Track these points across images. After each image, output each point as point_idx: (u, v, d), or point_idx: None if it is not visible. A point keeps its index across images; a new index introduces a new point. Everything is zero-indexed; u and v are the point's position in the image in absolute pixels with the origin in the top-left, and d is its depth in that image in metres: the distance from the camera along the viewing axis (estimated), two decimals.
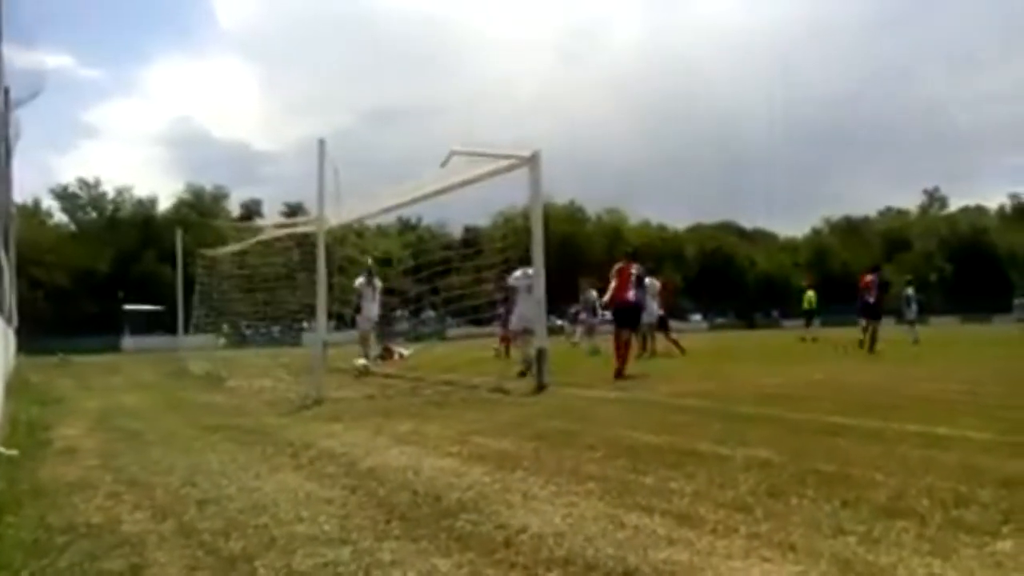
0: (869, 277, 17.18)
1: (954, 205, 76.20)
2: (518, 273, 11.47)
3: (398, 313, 18.41)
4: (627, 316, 11.42)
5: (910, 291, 21.82)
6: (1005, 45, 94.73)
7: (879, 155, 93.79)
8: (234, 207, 58.24)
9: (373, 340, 13.95)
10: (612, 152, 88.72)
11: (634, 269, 11.38)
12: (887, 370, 11.11)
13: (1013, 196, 75.66)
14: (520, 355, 11.24)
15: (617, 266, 11.46)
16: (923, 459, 4.16)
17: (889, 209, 77.81)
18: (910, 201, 78.53)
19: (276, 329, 21.03)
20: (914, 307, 21.38)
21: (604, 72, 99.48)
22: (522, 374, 10.43)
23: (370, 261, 14.20)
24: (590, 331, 19.02)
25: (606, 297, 11.84)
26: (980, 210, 74.75)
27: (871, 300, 16.45)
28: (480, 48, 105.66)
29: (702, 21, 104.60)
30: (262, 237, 16.01)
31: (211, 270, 17.38)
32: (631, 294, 11.26)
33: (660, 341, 16.35)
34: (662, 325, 16.80)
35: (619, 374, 10.40)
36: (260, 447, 5.28)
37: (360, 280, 13.82)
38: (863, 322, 16.72)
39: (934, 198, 77.59)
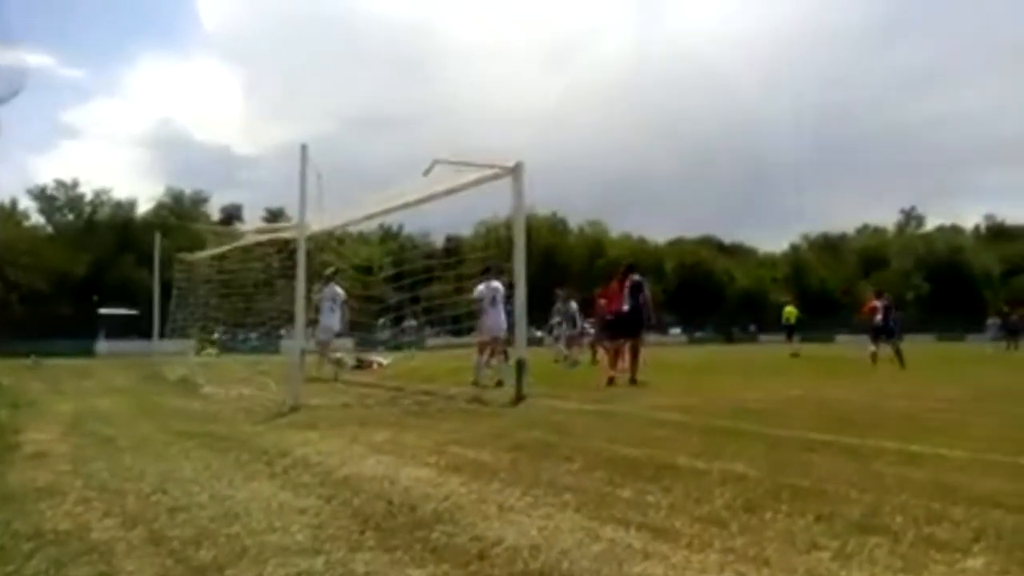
0: (874, 302, 18.06)
1: (931, 224, 77.48)
2: (481, 287, 11.61)
3: (381, 322, 18.32)
4: (621, 325, 11.85)
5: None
6: (983, 65, 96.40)
7: (858, 173, 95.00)
8: (214, 211, 57.95)
9: (342, 353, 13.71)
10: (595, 164, 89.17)
11: (631, 280, 11.84)
12: (865, 387, 11.20)
13: (988, 216, 77.05)
14: (475, 365, 11.49)
15: (617, 277, 11.96)
16: (897, 476, 4.20)
17: (866, 227, 78.85)
18: (887, 219, 79.69)
19: (254, 336, 20.87)
20: (890, 324, 21.73)
21: (589, 84, 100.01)
22: (499, 383, 10.60)
23: (329, 269, 13.82)
24: (570, 343, 19.03)
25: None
26: (956, 229, 75.96)
27: (881, 322, 17.25)
28: (465, 57, 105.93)
29: (687, 37, 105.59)
30: (242, 242, 15.89)
31: (189, 275, 17.22)
32: (625, 305, 11.71)
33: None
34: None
35: (611, 381, 10.92)
36: (234, 454, 5.22)
37: (316, 288, 13.35)
38: (872, 345, 17.43)
39: (911, 217, 78.78)
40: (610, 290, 11.93)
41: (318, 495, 3.90)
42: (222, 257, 16.21)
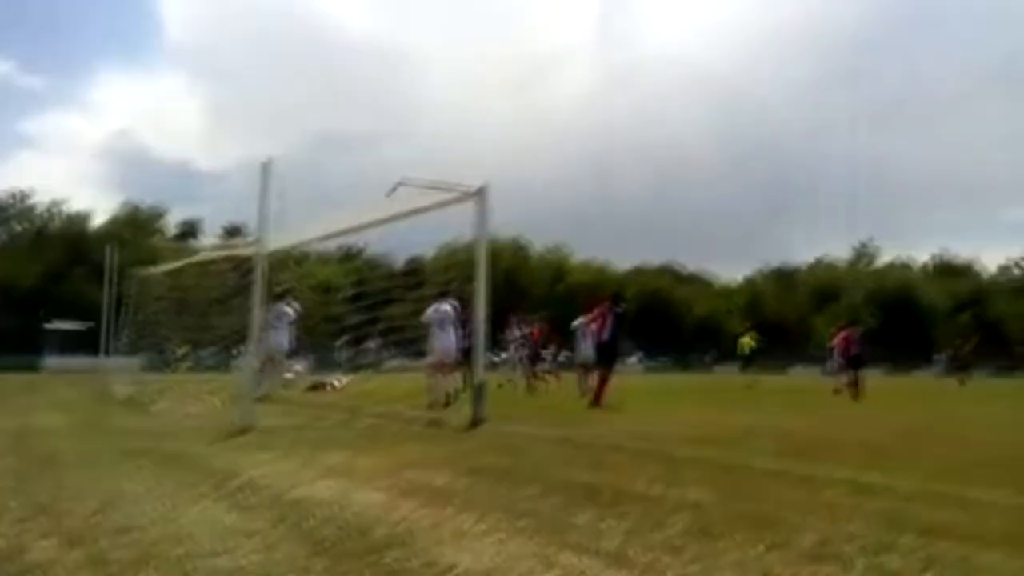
0: (844, 333, 19.16)
1: (884, 259, 79.39)
2: (430, 310, 11.89)
3: (339, 342, 18.13)
4: (604, 353, 12.76)
5: (835, 343, 22.87)
6: (936, 107, 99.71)
7: (814, 207, 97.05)
8: (172, 226, 56.95)
9: (274, 367, 13.45)
10: (559, 190, 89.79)
11: (617, 310, 12.77)
12: (820, 417, 11.38)
13: (937, 255, 79.32)
14: (428, 388, 11.75)
15: (597, 309, 12.85)
16: (849, 505, 4.24)
17: (820, 261, 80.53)
18: (842, 253, 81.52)
19: (207, 354, 20.45)
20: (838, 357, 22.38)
21: (554, 110, 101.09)
22: (447, 403, 11.06)
23: (279, 287, 13.66)
24: (526, 367, 18.97)
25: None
26: (906, 266, 78.01)
27: (855, 352, 18.23)
28: (432, 79, 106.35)
29: (650, 69, 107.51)
30: (198, 258, 15.61)
31: (142, 290, 16.84)
32: (605, 334, 12.64)
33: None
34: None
35: (596, 401, 11.87)
36: (182, 475, 5.08)
37: (281, 307, 13.32)
38: (843, 374, 18.60)
39: (864, 252, 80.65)
40: (594, 316, 12.93)
41: (267, 518, 3.80)
42: (177, 273, 15.90)
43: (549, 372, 18.94)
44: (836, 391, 18.83)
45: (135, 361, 18.59)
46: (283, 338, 13.29)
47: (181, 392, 12.02)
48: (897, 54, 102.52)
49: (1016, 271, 76.34)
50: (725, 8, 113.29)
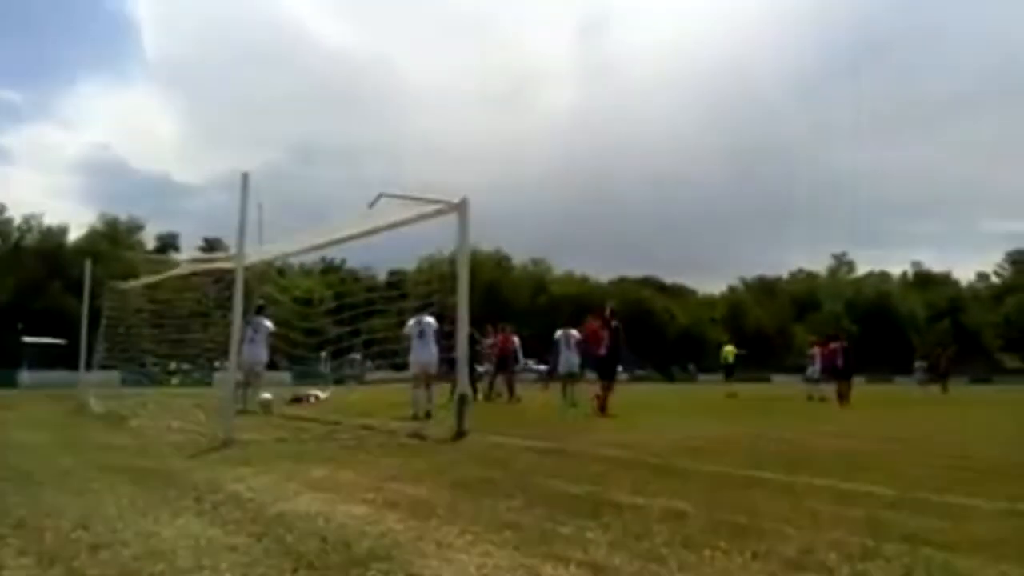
0: (833, 345, 20.02)
1: (861, 270, 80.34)
2: (411, 321, 11.99)
3: (323, 354, 18.01)
4: (600, 366, 13.44)
5: (814, 351, 23.12)
6: (912, 121, 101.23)
7: (793, 219, 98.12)
8: (150, 240, 56.47)
9: (257, 385, 13.38)
10: (541, 203, 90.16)
11: (612, 324, 13.27)
12: (800, 426, 11.44)
13: (915, 264, 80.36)
14: (412, 400, 11.77)
15: (594, 323, 13.72)
16: (831, 513, 4.27)
17: (800, 271, 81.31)
18: (820, 264, 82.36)
19: (187, 367, 20.24)
20: (817, 365, 22.63)
21: (535, 126, 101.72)
22: (427, 414, 11.04)
23: (259, 301, 13.59)
24: (510, 378, 18.94)
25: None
26: (884, 275, 78.96)
27: (841, 363, 18.90)
28: (414, 94, 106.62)
29: (631, 80, 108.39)
30: (177, 272, 15.46)
31: (120, 304, 16.63)
32: (602, 349, 13.24)
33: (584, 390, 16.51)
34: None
35: (601, 411, 12.45)
36: (161, 490, 5.01)
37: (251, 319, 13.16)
38: (823, 384, 19.63)
39: (842, 262, 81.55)
40: (590, 330, 13.74)
41: (249, 532, 3.76)
42: (155, 286, 15.73)
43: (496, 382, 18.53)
44: (821, 399, 19.31)
45: (113, 376, 18.37)
46: (262, 352, 13.22)
47: (160, 407, 11.89)
48: (876, 71, 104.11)
49: (995, 279, 77.47)
50: (700, 34, 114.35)
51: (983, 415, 15.63)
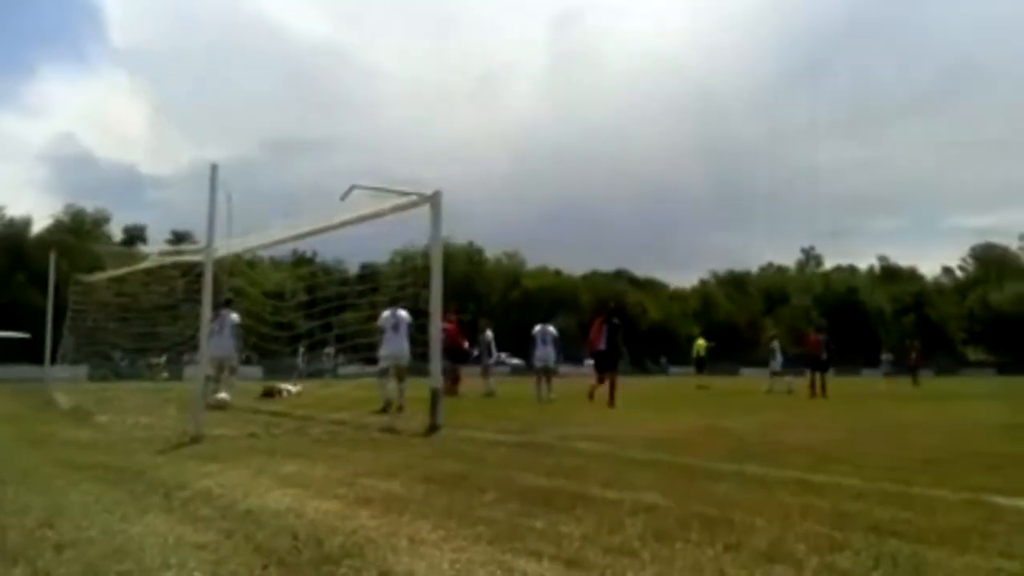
0: (815, 337, 20.04)
1: (828, 264, 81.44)
2: (386, 313, 12.07)
3: (300, 350, 17.86)
4: (600, 360, 14.27)
5: (774, 345, 23.44)
6: (876, 118, 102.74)
7: (763, 214, 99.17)
8: (116, 232, 55.54)
9: (226, 376, 13.27)
10: (514, 197, 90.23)
11: (614, 321, 14.19)
12: (770, 419, 11.57)
13: (881, 258, 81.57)
14: (382, 393, 11.87)
15: (596, 319, 14.38)
16: (800, 505, 4.31)
17: (770, 265, 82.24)
18: (789, 258, 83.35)
19: (163, 361, 19.97)
20: (779, 358, 22.95)
21: (508, 120, 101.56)
22: (400, 408, 11.15)
23: (227, 295, 13.48)
24: (485, 372, 18.97)
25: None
26: (852, 270, 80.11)
27: (822, 356, 19.24)
28: (387, 86, 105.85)
29: (603, 78, 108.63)
30: (144, 264, 15.21)
31: (86, 297, 16.34)
32: (602, 344, 14.06)
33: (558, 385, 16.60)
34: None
35: (612, 404, 13.19)
36: (128, 487, 4.93)
37: (228, 313, 13.18)
38: (808, 373, 19.51)
39: (810, 256, 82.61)
40: (592, 328, 14.29)
41: (218, 529, 3.71)
42: (122, 279, 15.47)
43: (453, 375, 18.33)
44: (789, 391, 19.61)
45: (80, 370, 18.06)
46: (229, 345, 13.09)
47: (128, 401, 11.71)
48: (835, 70, 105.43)
49: (959, 273, 78.96)
50: (674, 26, 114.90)
51: (950, 407, 15.92)
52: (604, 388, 14.01)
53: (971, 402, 18.38)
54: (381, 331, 12.04)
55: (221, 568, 3.05)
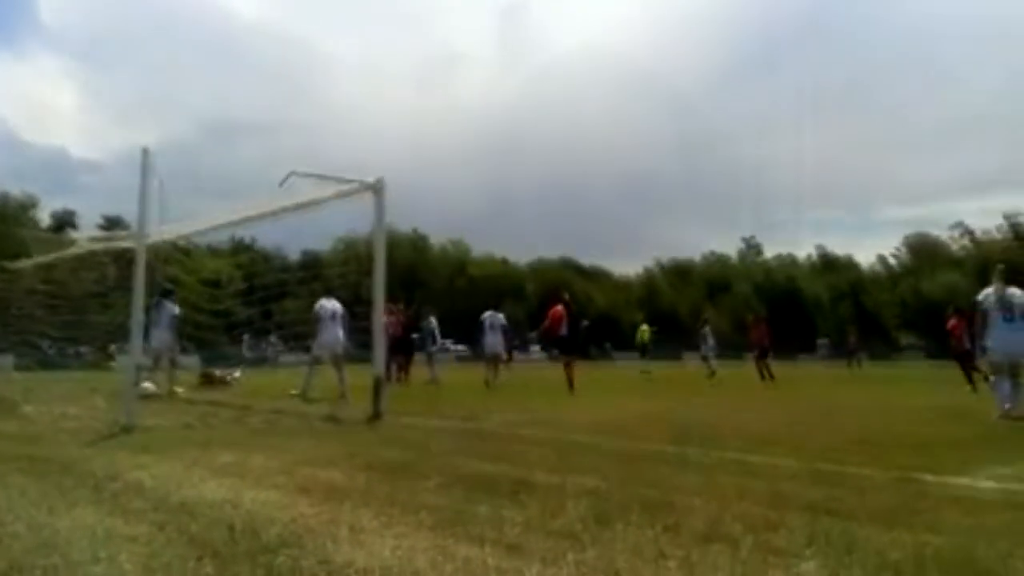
0: (764, 325, 21.22)
1: (769, 253, 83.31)
2: (323, 302, 12.19)
3: (246, 337, 17.51)
4: (562, 345, 15.27)
5: (706, 330, 24.01)
6: (814, 111, 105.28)
7: (706, 203, 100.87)
8: (45, 217, 53.47)
9: (166, 366, 13.03)
10: (459, 185, 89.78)
11: (571, 309, 15.10)
12: (710, 402, 11.80)
13: (819, 248, 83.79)
14: (306, 380, 11.93)
15: (553, 307, 15.15)
16: (738, 486, 4.40)
17: (712, 253, 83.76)
18: (731, 247, 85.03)
19: (85, 350, 19.29)
20: (711, 343, 23.56)
21: (454, 107, 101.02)
22: (342, 396, 11.13)
23: (216, 282, 13.33)
24: (429, 360, 18.89)
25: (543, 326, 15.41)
26: (791, 259, 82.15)
27: (766, 343, 20.48)
28: (333, 71, 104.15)
29: (551, 67, 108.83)
30: (74, 251, 14.66)
31: (11, 285, 15.67)
32: (563, 330, 14.90)
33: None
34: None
35: (570, 386, 13.86)
36: (56, 479, 4.75)
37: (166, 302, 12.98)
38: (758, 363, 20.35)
39: (751, 245, 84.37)
40: (553, 315, 14.95)
41: (151, 521, 3.60)
42: (50, 266, 14.90)
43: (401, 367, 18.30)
44: (712, 374, 21.19)
45: (5, 360, 17.38)
46: (168, 336, 12.80)
47: (57, 392, 11.31)
48: (778, 65, 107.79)
49: (892, 262, 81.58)
50: (623, 16, 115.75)
51: (882, 390, 16.49)
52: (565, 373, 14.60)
53: (902, 385, 19.08)
54: (318, 320, 12.04)
55: (153, 561, 2.96)
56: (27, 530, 3.43)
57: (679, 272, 79.83)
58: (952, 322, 16.64)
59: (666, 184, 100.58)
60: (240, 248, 50.91)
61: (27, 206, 52.42)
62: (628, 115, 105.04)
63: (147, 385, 11.59)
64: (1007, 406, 8.88)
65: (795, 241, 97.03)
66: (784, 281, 75.34)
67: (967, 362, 15.66)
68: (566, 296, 16.07)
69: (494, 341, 16.80)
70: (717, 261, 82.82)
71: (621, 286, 76.02)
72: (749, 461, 5.38)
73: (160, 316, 12.76)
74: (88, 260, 13.97)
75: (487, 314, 17.21)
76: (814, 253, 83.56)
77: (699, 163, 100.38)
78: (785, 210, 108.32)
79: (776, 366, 21.15)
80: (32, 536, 3.33)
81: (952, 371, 16.17)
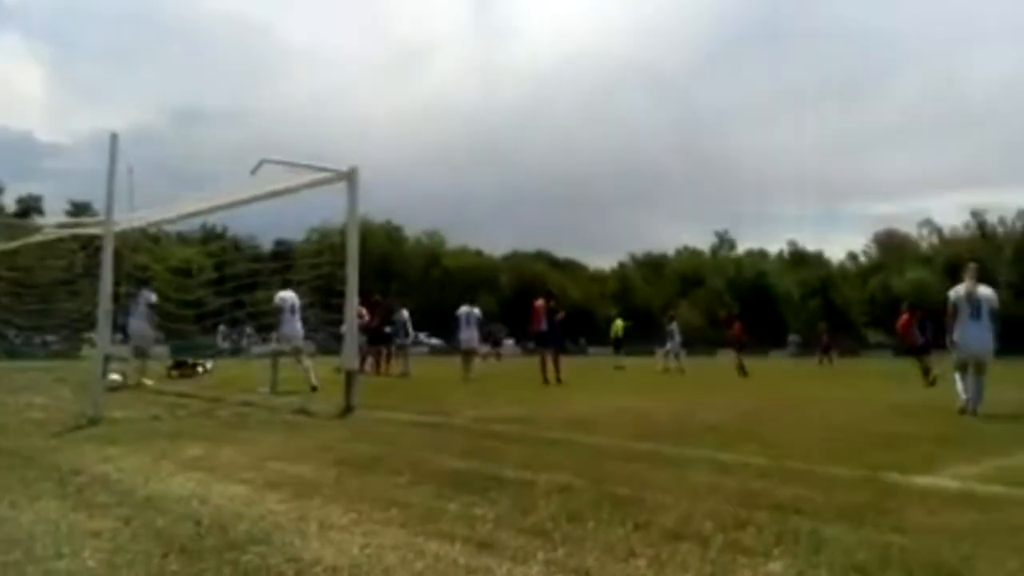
0: (740, 322, 23.26)
1: (741, 248, 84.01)
2: (283, 294, 12.19)
3: (221, 328, 17.30)
4: (543, 340, 15.67)
5: (673, 326, 24.19)
6: (787, 105, 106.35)
7: (679, 197, 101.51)
8: (9, 203, 52.37)
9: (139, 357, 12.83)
10: (432, 177, 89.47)
11: (551, 304, 15.81)
12: (685, 399, 11.87)
13: (790, 243, 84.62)
14: (273, 375, 11.72)
15: (536, 303, 15.84)
16: (708, 484, 4.43)
17: (686, 248, 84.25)
18: (704, 242, 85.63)
19: (52, 339, 18.94)
20: (678, 339, 23.74)
21: (428, 98, 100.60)
22: (313, 388, 11.10)
23: (188, 271, 13.16)
24: (401, 352, 18.84)
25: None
26: (763, 254, 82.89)
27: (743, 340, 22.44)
28: (305, 60, 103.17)
29: (523, 61, 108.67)
30: (39, 237, 14.39)
31: None
32: (543, 325, 15.48)
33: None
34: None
35: (546, 381, 14.51)
36: (19, 472, 4.67)
37: (144, 292, 12.75)
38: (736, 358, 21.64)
39: (724, 240, 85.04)
40: (534, 311, 15.67)
41: (116, 516, 3.54)
42: (15, 253, 14.62)
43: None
44: (680, 370, 21.95)
45: None
46: (144, 325, 12.59)
47: (21, 382, 11.11)
48: (750, 58, 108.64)
49: (862, 259, 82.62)
50: (600, 7, 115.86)
51: (851, 387, 16.70)
52: (549, 367, 15.06)
53: (871, 381, 19.37)
54: (279, 312, 12.00)
55: (117, 556, 2.91)
56: None
57: (653, 266, 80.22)
58: (904, 318, 17.02)
59: (643, 177, 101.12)
60: (211, 236, 50.28)
61: None
62: (605, 107, 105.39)
63: (114, 376, 11.38)
64: (965, 398, 9.08)
65: (769, 236, 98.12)
66: (755, 276, 75.97)
67: (922, 356, 16.07)
68: (550, 295, 17.11)
69: (469, 336, 16.89)
70: (690, 256, 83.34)
71: (596, 279, 76.22)
72: (720, 459, 5.42)
73: (138, 305, 12.56)
74: (55, 247, 13.73)
75: (463, 309, 17.26)
76: (785, 248, 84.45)
77: (675, 156, 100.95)
78: (759, 204, 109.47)
79: (748, 362, 21.37)
80: None
81: (916, 367, 16.45)
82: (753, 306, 70.25)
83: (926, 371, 15.60)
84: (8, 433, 6.65)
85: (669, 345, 23.94)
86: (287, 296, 12.17)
